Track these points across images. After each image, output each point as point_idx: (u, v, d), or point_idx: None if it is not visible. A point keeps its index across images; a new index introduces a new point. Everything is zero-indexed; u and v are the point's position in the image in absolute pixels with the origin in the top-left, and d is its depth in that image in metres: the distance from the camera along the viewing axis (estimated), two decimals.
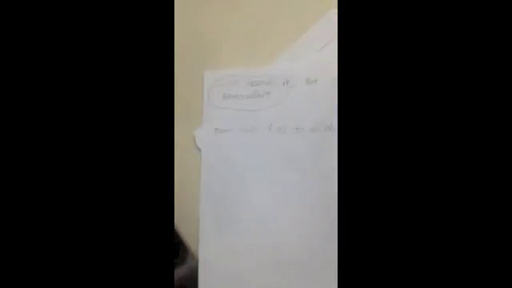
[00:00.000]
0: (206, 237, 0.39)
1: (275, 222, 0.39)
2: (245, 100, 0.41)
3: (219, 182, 0.40)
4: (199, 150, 0.41)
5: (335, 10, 0.41)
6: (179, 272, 0.56)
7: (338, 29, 0.27)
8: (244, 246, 0.39)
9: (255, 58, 0.42)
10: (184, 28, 0.42)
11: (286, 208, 0.39)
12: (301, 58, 0.41)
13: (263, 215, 0.39)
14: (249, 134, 0.40)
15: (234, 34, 0.43)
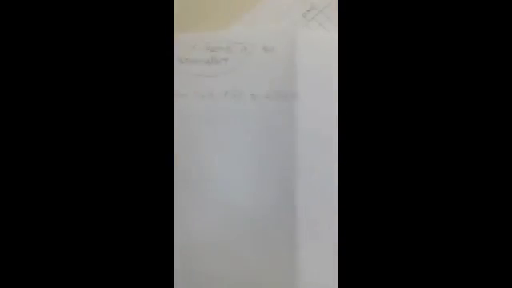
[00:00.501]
0: None
1: (228, 183, 0.40)
2: (202, 65, 0.41)
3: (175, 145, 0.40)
4: None
5: None
6: None
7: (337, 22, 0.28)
8: (197, 204, 0.39)
9: (212, 22, 0.42)
10: None
11: (238, 170, 0.40)
12: (258, 26, 0.41)
13: (216, 178, 0.40)
14: (205, 100, 0.40)
15: None
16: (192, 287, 0.39)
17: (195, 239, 0.40)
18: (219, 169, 0.40)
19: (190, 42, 0.41)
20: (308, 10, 0.41)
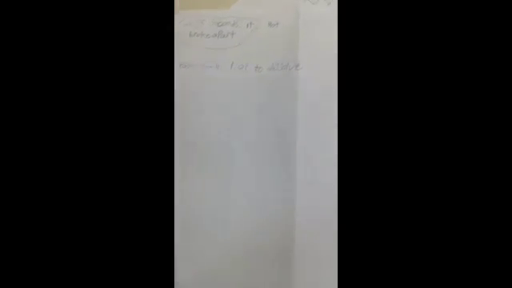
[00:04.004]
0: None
1: (231, 152, 0.41)
2: (210, 39, 0.43)
3: (179, 114, 0.42)
4: None
5: None
6: None
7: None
8: (197, 170, 0.41)
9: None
10: None
11: (240, 139, 0.41)
12: (264, 2, 0.44)
13: (219, 146, 0.42)
14: (211, 71, 0.43)
15: None
16: None
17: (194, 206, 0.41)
18: (222, 133, 0.42)
19: (198, 17, 0.44)
20: None
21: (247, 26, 0.43)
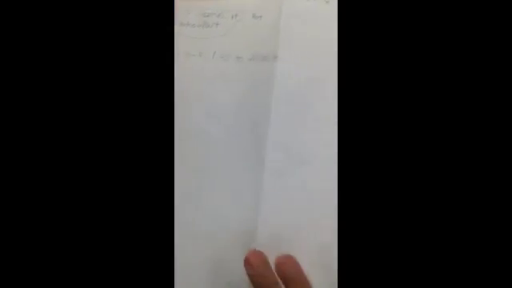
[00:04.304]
0: None
1: (211, 140, 0.43)
2: (195, 28, 0.45)
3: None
4: None
5: None
6: None
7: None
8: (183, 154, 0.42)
9: None
10: None
11: (220, 127, 0.42)
12: None
13: (199, 133, 0.43)
14: (194, 59, 0.44)
15: None
16: None
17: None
18: (201, 121, 0.43)
19: (186, 8, 0.45)
20: None
21: (232, 17, 0.44)
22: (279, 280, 0.32)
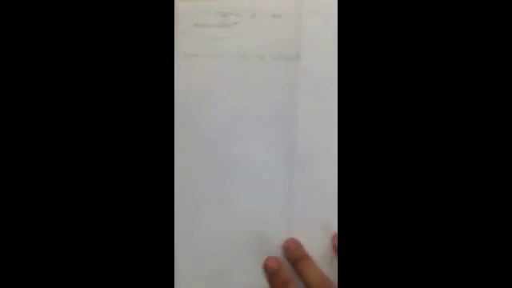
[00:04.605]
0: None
1: (237, 140, 0.42)
2: (213, 28, 0.44)
3: (183, 102, 0.43)
4: None
5: None
6: None
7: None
8: (206, 154, 0.42)
9: None
10: None
11: (245, 123, 0.42)
12: None
13: (223, 134, 0.42)
14: (215, 60, 0.43)
15: None
16: None
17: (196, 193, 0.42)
18: (226, 123, 0.42)
19: (203, 8, 0.45)
20: None
21: (251, 16, 0.44)
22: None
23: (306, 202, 0.41)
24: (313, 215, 0.41)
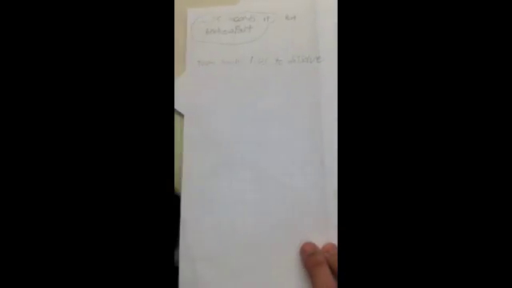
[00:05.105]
0: (189, 164, 0.40)
1: (258, 146, 0.40)
2: (227, 34, 0.43)
3: (202, 110, 0.41)
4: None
5: None
6: None
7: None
8: (223, 164, 0.40)
9: None
10: None
11: (267, 134, 0.40)
12: None
13: (243, 140, 0.40)
14: (231, 66, 0.42)
15: None
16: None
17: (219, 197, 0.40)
18: (246, 131, 0.41)
19: (214, 14, 0.43)
20: None
21: (264, 19, 0.43)
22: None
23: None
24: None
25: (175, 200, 0.40)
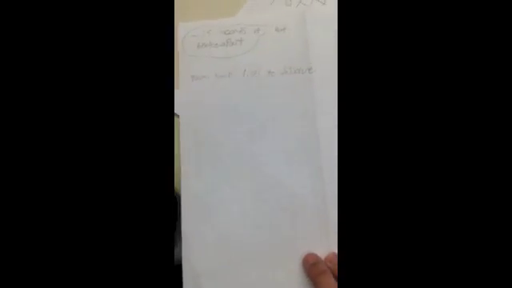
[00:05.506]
0: (187, 179, 0.41)
1: (255, 158, 0.41)
2: (219, 48, 0.43)
3: (199, 125, 0.42)
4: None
5: None
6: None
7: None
8: (224, 179, 0.41)
9: (218, 10, 0.44)
10: None
11: (264, 146, 0.41)
12: (268, 9, 0.44)
13: (240, 154, 0.41)
14: (225, 80, 0.43)
15: None
16: None
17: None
18: (243, 143, 0.41)
19: (205, 28, 0.44)
20: None
21: (254, 32, 0.43)
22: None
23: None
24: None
25: (175, 200, 0.41)
